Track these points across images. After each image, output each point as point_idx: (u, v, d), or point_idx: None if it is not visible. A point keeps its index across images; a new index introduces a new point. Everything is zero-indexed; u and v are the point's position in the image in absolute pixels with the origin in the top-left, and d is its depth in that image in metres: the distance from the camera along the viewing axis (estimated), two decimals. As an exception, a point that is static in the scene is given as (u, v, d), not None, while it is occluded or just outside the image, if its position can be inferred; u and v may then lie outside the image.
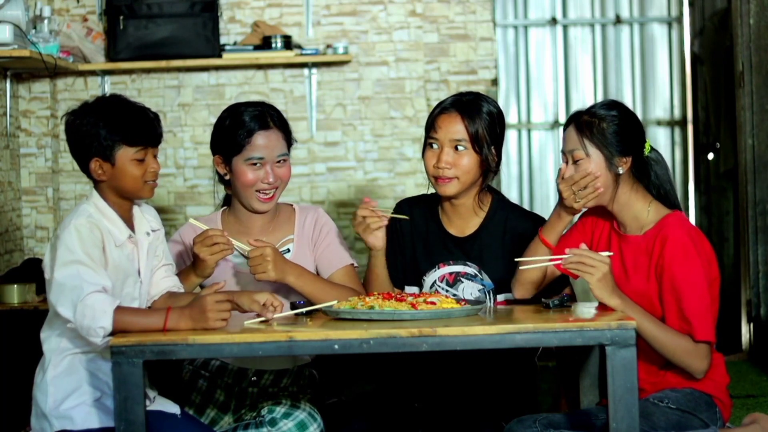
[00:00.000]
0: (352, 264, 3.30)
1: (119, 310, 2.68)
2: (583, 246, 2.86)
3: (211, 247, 3.04)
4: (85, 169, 2.88)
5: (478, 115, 3.16)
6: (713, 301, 2.89)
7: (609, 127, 2.95)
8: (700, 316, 2.85)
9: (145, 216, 2.97)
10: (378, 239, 3.16)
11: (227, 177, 3.24)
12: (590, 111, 3.00)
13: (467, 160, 3.17)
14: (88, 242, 2.76)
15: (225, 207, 3.38)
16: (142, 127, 2.87)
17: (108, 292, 2.72)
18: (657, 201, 3.01)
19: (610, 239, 3.05)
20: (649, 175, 3.01)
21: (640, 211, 2.99)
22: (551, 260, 2.94)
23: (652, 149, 3.03)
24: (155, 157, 2.90)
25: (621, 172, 2.96)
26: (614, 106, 3.00)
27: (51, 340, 2.84)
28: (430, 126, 3.21)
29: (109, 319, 2.66)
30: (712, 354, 2.91)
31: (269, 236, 3.28)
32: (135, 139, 2.85)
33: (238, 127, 3.19)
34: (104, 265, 2.78)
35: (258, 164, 3.18)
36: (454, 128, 3.16)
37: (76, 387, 2.82)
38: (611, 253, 2.86)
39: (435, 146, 3.19)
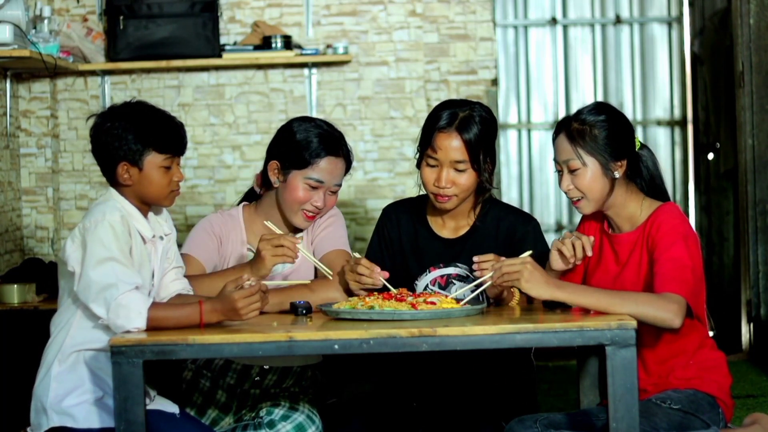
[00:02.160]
0: (347, 251, 3.28)
1: (153, 306, 2.72)
2: (489, 256, 2.88)
3: (276, 248, 3.01)
4: (109, 172, 2.89)
5: (476, 131, 3.15)
6: (694, 272, 2.84)
7: (600, 132, 2.94)
8: (672, 272, 2.80)
9: (158, 220, 2.99)
10: (362, 292, 3.07)
11: (277, 185, 3.23)
12: (579, 118, 2.98)
13: (466, 179, 3.17)
14: (122, 239, 2.78)
15: (246, 203, 3.37)
16: (172, 135, 2.90)
17: (140, 290, 2.74)
18: (649, 198, 3.01)
19: (602, 242, 3.05)
20: (641, 173, 3.01)
21: (634, 210, 2.99)
22: (477, 284, 2.94)
23: (642, 145, 3.03)
24: (179, 165, 2.93)
25: (617, 176, 2.96)
26: (602, 109, 2.99)
27: (59, 335, 2.85)
28: (428, 143, 3.18)
29: (143, 320, 2.69)
30: (687, 313, 2.81)
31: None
32: (164, 146, 2.87)
33: (309, 145, 3.18)
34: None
35: (315, 186, 3.18)
36: (454, 149, 3.14)
37: (78, 384, 2.82)
38: (530, 252, 2.84)
39: (434, 165, 3.18)
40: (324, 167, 3.18)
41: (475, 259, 2.97)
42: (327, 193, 3.21)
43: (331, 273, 3.05)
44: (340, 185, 3.24)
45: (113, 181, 2.90)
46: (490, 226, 3.25)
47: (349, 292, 3.06)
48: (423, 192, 3.26)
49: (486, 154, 3.17)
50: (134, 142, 2.84)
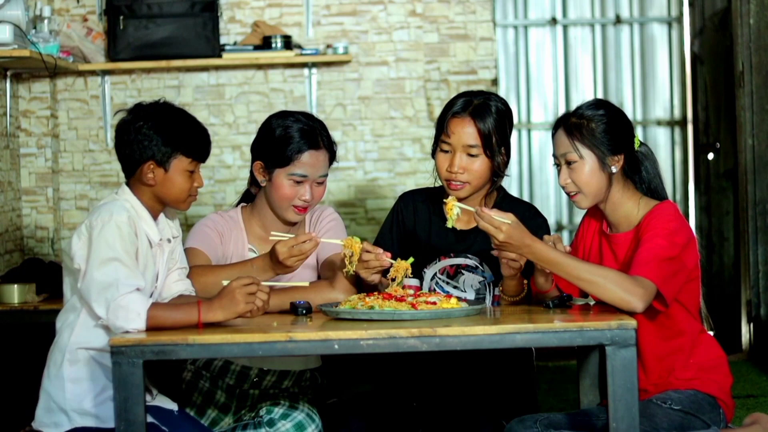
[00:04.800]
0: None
1: (151, 306, 2.72)
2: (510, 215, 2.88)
3: (299, 255, 2.99)
4: (131, 170, 2.90)
5: (490, 119, 3.17)
6: (672, 263, 2.84)
7: (598, 126, 2.96)
8: (645, 258, 2.81)
9: (168, 223, 2.99)
10: (376, 277, 3.09)
11: (264, 184, 3.24)
12: (577, 113, 3.00)
13: (479, 165, 3.18)
14: (127, 240, 2.79)
15: (243, 204, 3.37)
16: (200, 141, 2.93)
17: (141, 292, 2.74)
18: (646, 197, 3.01)
19: (601, 242, 3.05)
20: (639, 171, 3.02)
21: (630, 209, 3.00)
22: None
23: (642, 143, 3.04)
24: (199, 172, 2.94)
25: (614, 171, 2.97)
26: (601, 105, 3.01)
27: (64, 333, 2.85)
28: (442, 129, 3.21)
29: (142, 322, 2.70)
30: (654, 300, 2.81)
31: None
32: (192, 151, 2.90)
33: (288, 142, 3.18)
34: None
35: (299, 181, 3.18)
36: (467, 134, 3.17)
37: (95, 385, 2.83)
38: (507, 221, 2.81)
39: (447, 150, 3.20)
40: (306, 161, 3.18)
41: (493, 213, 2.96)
42: (313, 185, 3.21)
43: (341, 242, 3.02)
44: (326, 175, 3.24)
45: (132, 178, 2.91)
46: None
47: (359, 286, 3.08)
48: (439, 183, 3.28)
49: (500, 143, 3.19)
50: (164, 144, 2.86)
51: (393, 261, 3.00)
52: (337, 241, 3.04)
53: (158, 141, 2.86)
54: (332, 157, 3.26)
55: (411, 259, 3.06)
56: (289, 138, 3.18)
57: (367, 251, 3.00)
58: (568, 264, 2.78)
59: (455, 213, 2.97)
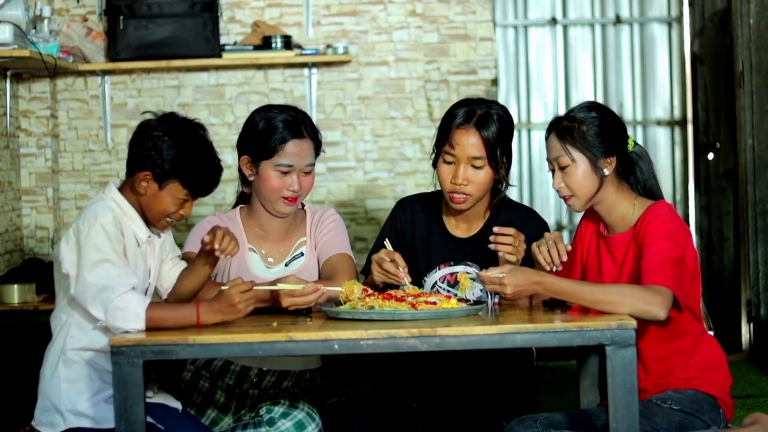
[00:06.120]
0: (350, 255, 3.29)
1: (151, 306, 2.72)
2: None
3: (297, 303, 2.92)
4: (131, 171, 2.89)
5: (494, 129, 3.16)
6: (680, 265, 2.83)
7: (590, 129, 2.95)
8: (655, 265, 2.80)
9: None
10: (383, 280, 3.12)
11: (252, 178, 3.24)
12: (569, 116, 3.00)
13: (483, 176, 3.18)
14: (114, 240, 2.79)
15: (241, 205, 3.38)
16: (204, 180, 2.90)
17: (137, 290, 2.74)
18: (641, 197, 3.01)
19: (599, 244, 3.05)
20: (634, 172, 3.02)
21: (626, 210, 3.00)
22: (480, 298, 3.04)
23: (636, 144, 3.04)
24: (192, 204, 2.92)
25: (607, 173, 2.96)
26: (593, 107, 3.01)
27: (60, 335, 2.86)
28: (445, 140, 3.20)
29: (142, 322, 2.70)
30: (675, 306, 2.80)
31: (286, 239, 3.29)
32: (190, 184, 2.87)
33: (272, 133, 3.18)
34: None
35: (286, 171, 3.18)
36: (472, 146, 3.16)
37: (90, 386, 2.84)
38: (508, 269, 2.82)
39: (451, 162, 3.19)
40: (291, 151, 3.18)
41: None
42: (300, 174, 3.20)
43: (341, 288, 2.96)
44: (312, 165, 3.24)
45: (129, 179, 2.90)
46: (502, 225, 3.25)
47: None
48: (439, 187, 3.28)
49: (503, 152, 3.18)
50: (168, 163, 2.84)
51: (408, 284, 3.01)
52: (338, 288, 2.94)
53: (165, 158, 2.84)
54: (318, 146, 3.25)
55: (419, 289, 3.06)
56: (273, 129, 3.19)
57: (393, 261, 3.02)
58: (581, 290, 2.77)
59: (469, 283, 3.00)
